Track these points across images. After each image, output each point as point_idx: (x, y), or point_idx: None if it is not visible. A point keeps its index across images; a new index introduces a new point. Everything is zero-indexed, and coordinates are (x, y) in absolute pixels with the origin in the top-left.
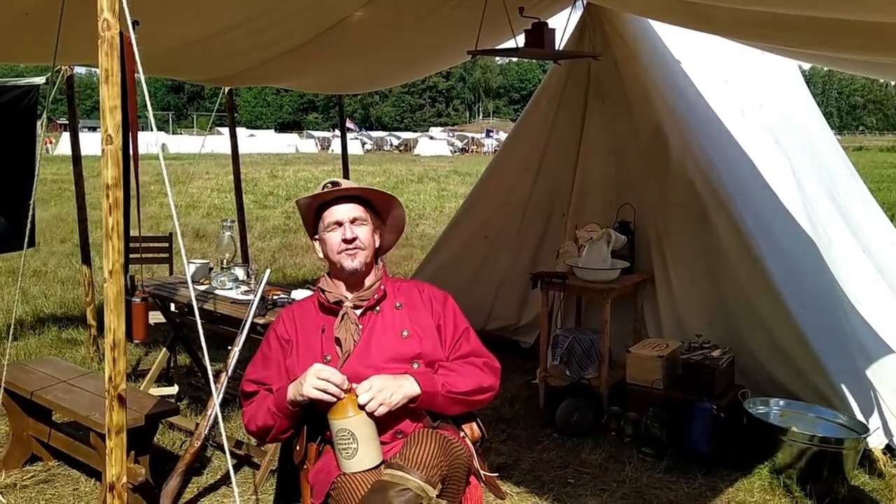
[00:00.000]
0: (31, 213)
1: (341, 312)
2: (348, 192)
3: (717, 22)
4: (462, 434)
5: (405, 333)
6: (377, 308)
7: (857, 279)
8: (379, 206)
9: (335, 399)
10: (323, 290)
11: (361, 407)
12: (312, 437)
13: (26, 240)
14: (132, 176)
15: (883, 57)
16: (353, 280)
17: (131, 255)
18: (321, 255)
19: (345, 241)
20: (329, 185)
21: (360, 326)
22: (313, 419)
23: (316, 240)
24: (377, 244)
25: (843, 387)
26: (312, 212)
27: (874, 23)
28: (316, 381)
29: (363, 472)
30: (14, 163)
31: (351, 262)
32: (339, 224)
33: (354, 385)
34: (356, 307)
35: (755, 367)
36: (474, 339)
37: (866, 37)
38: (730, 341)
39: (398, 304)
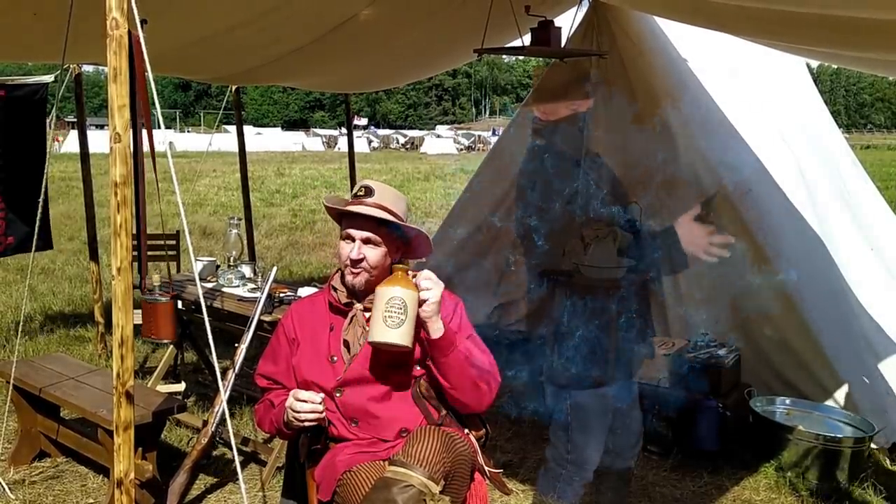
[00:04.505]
0: (39, 212)
1: (351, 314)
2: (362, 212)
3: (723, 19)
4: (466, 431)
5: None
6: None
7: (866, 278)
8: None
9: (315, 423)
10: (335, 289)
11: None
12: (318, 434)
13: (35, 240)
14: (153, 174)
15: (889, 55)
16: (355, 293)
17: (150, 253)
18: None
19: (350, 258)
20: (363, 188)
21: (368, 329)
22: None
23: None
24: (390, 261)
25: (852, 386)
26: (337, 214)
27: (882, 20)
28: (290, 412)
29: (388, 343)
30: (24, 161)
31: (352, 279)
32: (353, 239)
33: (413, 271)
34: (366, 309)
35: (763, 366)
36: (481, 345)
37: (875, 34)
38: (737, 340)
39: None
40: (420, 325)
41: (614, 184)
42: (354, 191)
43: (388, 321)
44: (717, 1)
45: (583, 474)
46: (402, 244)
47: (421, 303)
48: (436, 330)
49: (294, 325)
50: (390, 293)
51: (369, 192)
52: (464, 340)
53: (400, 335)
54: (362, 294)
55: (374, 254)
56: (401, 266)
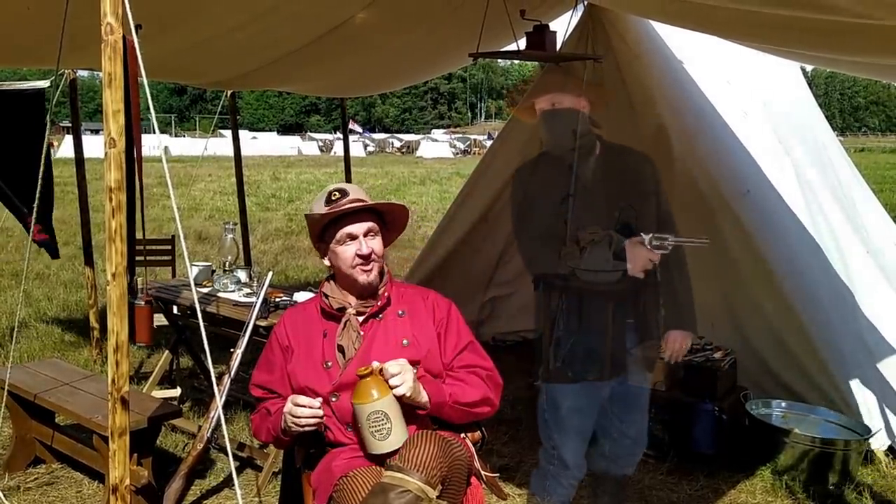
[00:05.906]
0: (39, 218)
1: (344, 319)
2: (363, 206)
3: (715, 23)
4: (462, 435)
5: (405, 342)
6: (380, 315)
7: (862, 280)
8: (387, 214)
9: (314, 428)
10: (326, 296)
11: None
12: (314, 439)
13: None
14: (136, 179)
15: (882, 59)
16: (366, 292)
17: (136, 258)
18: (328, 262)
19: (360, 255)
20: (336, 192)
21: (362, 333)
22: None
23: (325, 250)
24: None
25: (848, 388)
26: (321, 223)
27: (872, 24)
28: (290, 418)
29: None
30: (18, 166)
31: (366, 277)
32: (354, 237)
33: (376, 364)
34: (359, 314)
35: (760, 369)
36: (479, 351)
37: (865, 38)
38: (734, 343)
39: (401, 312)
40: (407, 406)
41: (633, 179)
42: (327, 198)
43: (378, 435)
44: (709, 4)
45: (571, 473)
46: (385, 230)
47: (398, 396)
48: (423, 404)
49: (287, 332)
50: (367, 410)
51: (344, 193)
52: (452, 387)
53: (393, 442)
54: (363, 292)
55: (377, 243)
56: (363, 373)
